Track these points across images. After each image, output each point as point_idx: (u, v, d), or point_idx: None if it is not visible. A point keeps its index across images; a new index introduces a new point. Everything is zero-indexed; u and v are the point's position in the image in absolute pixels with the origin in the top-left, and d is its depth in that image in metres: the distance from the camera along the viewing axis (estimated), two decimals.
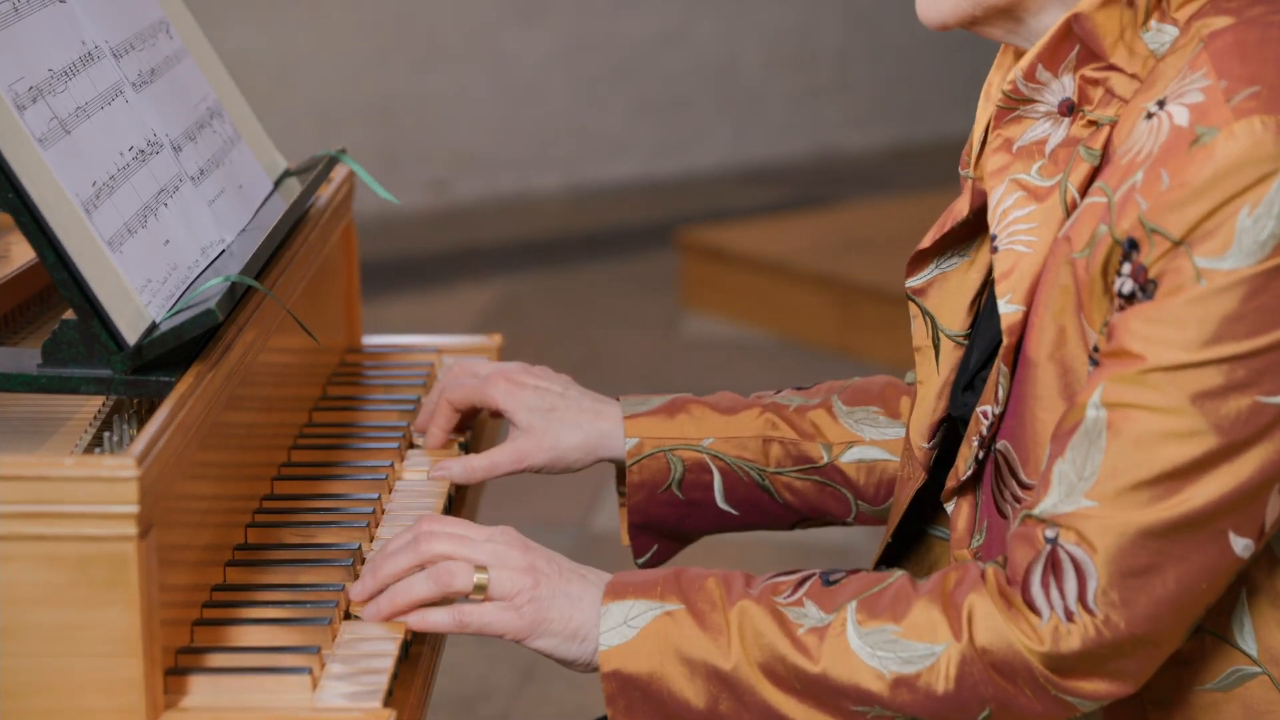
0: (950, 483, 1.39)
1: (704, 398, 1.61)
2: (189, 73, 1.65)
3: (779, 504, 1.60)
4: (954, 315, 1.43)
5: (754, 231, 5.24)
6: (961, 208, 1.39)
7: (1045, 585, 1.22)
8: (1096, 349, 1.25)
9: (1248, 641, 1.29)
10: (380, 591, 1.33)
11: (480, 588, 1.31)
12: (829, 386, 1.63)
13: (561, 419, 1.58)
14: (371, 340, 1.93)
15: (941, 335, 1.43)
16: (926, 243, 1.42)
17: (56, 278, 1.26)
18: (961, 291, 1.42)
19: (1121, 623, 1.21)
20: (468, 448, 1.66)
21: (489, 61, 6.12)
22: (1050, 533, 1.22)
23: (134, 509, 1.14)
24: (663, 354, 4.74)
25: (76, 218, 1.29)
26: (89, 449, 1.30)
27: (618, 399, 1.61)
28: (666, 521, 1.60)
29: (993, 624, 1.24)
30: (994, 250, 1.32)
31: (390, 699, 1.23)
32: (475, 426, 1.71)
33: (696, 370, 4.59)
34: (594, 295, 5.27)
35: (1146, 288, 1.20)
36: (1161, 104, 1.22)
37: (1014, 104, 1.32)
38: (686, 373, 4.56)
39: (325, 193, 1.79)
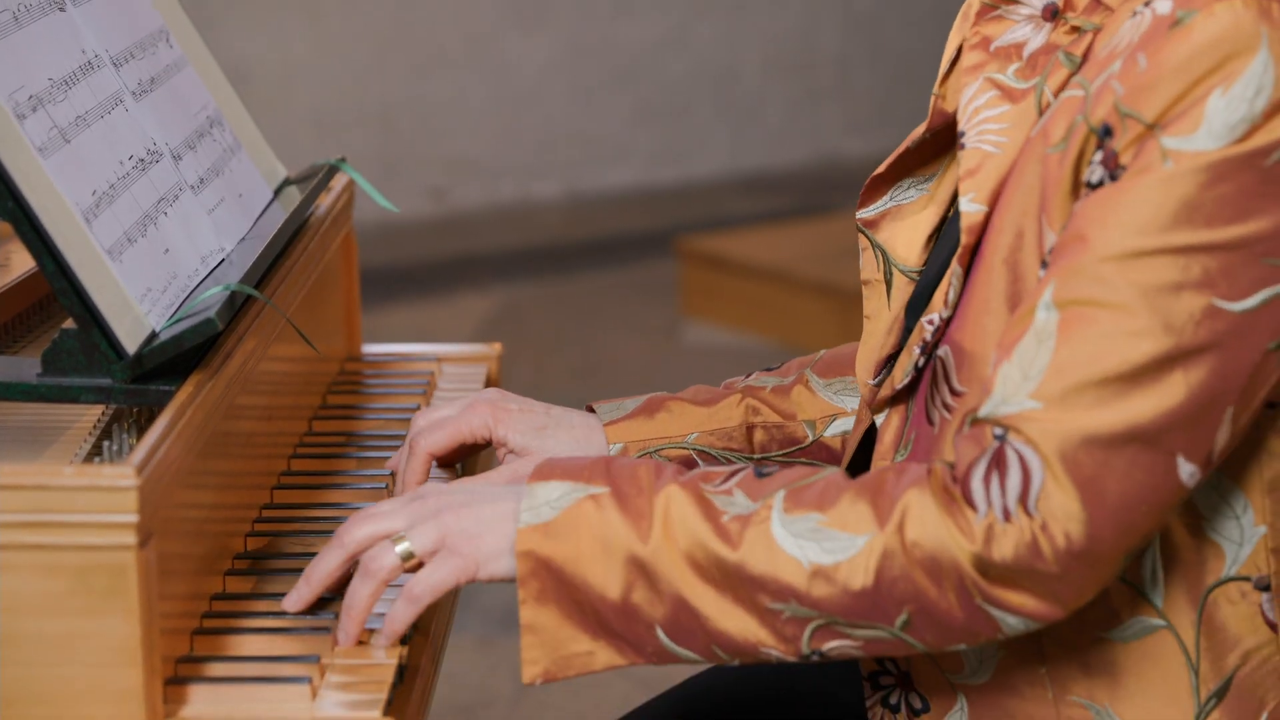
0: (884, 391, 1.34)
1: (679, 394, 1.57)
2: (189, 81, 1.65)
3: None
4: (908, 250, 1.39)
5: (754, 239, 5.24)
6: (919, 130, 1.37)
7: (987, 480, 1.16)
8: (1052, 251, 1.21)
9: (1157, 593, 1.25)
10: (316, 598, 1.30)
11: (409, 555, 1.26)
12: (799, 362, 1.58)
13: (555, 437, 1.51)
14: (371, 349, 1.92)
15: (894, 269, 1.39)
16: (883, 168, 1.39)
17: (56, 287, 1.26)
18: (917, 227, 1.39)
19: (1058, 531, 1.14)
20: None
21: (488, 68, 6.12)
22: (998, 430, 1.16)
23: (133, 518, 1.14)
24: (663, 361, 4.74)
25: (76, 227, 1.29)
26: (88, 458, 1.30)
27: (590, 409, 1.55)
28: None
29: (926, 517, 1.17)
30: (961, 147, 1.28)
31: (390, 708, 1.22)
32: (466, 466, 1.60)
33: (696, 378, 4.55)
34: (594, 303, 5.27)
35: (1115, 173, 1.17)
36: (1148, 3, 1.19)
37: (999, 2, 1.30)
38: (687, 380, 4.53)
39: (325, 201, 1.79)
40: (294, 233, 1.64)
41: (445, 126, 6.09)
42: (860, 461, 1.44)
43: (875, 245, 1.41)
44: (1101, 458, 1.15)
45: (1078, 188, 1.20)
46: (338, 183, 1.85)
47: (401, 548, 1.26)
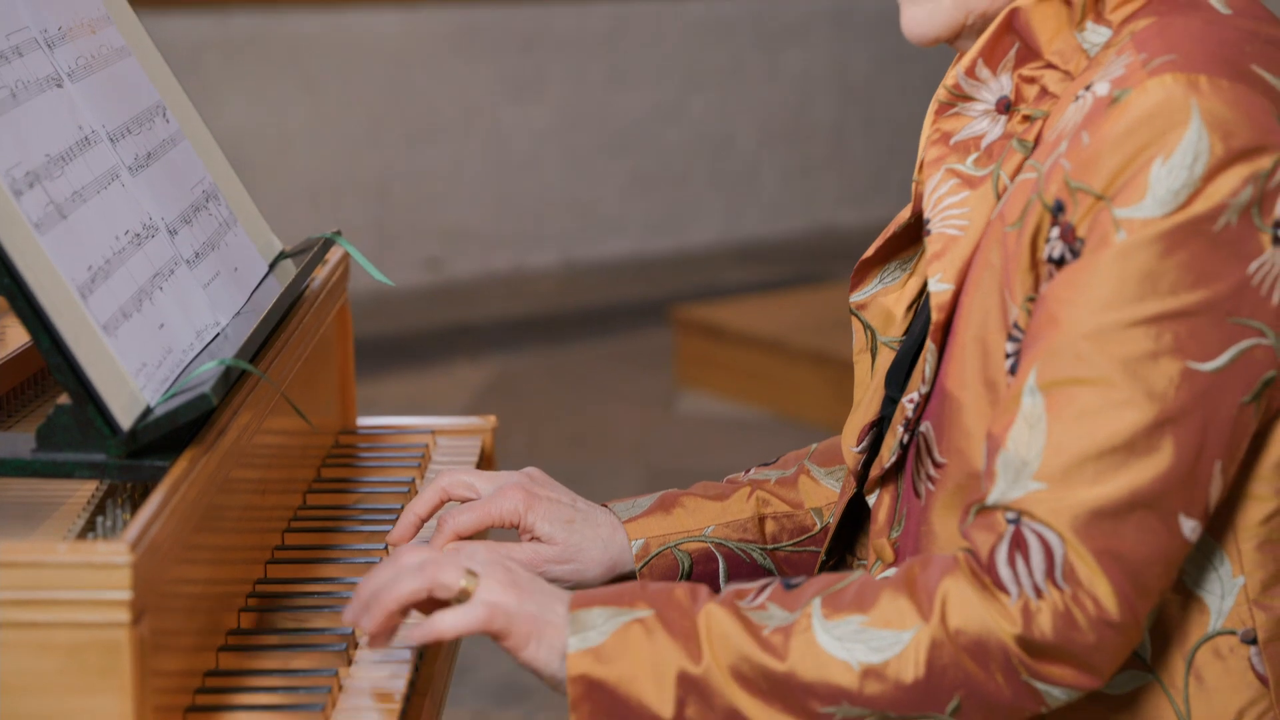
0: (874, 471, 1.40)
1: (689, 490, 1.60)
2: (185, 156, 1.66)
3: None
4: (890, 322, 1.46)
5: (749, 309, 5.25)
6: (904, 214, 1.44)
7: (1012, 563, 1.22)
8: (1017, 325, 1.27)
9: (1145, 650, 1.29)
10: (389, 624, 1.31)
11: (465, 591, 1.29)
12: (795, 455, 1.63)
13: (582, 533, 1.52)
14: (366, 421, 1.92)
15: (879, 343, 1.46)
16: (870, 253, 1.46)
17: (52, 363, 1.26)
18: (900, 301, 1.46)
19: (1088, 601, 1.20)
20: None
21: (484, 138, 6.15)
22: (1011, 515, 1.22)
23: (127, 595, 1.14)
24: (658, 431, 4.74)
25: (72, 302, 1.29)
26: (82, 534, 1.30)
27: (604, 505, 1.57)
28: None
29: (968, 605, 1.22)
30: (926, 234, 1.35)
31: None
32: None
33: (691, 448, 4.58)
34: (589, 372, 5.27)
35: (1074, 246, 1.23)
36: (1089, 87, 1.26)
37: (954, 100, 1.37)
38: (681, 451, 4.55)
39: (320, 274, 1.80)
40: (289, 306, 1.64)
41: (441, 196, 6.11)
42: (848, 530, 1.50)
43: (865, 325, 1.48)
44: (1111, 527, 1.20)
45: (1036, 264, 1.26)
46: (333, 256, 1.85)
47: (468, 580, 1.29)
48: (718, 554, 1.56)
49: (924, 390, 1.34)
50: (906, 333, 1.45)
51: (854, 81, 6.81)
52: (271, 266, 1.72)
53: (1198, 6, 1.30)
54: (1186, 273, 1.19)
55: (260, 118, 5.73)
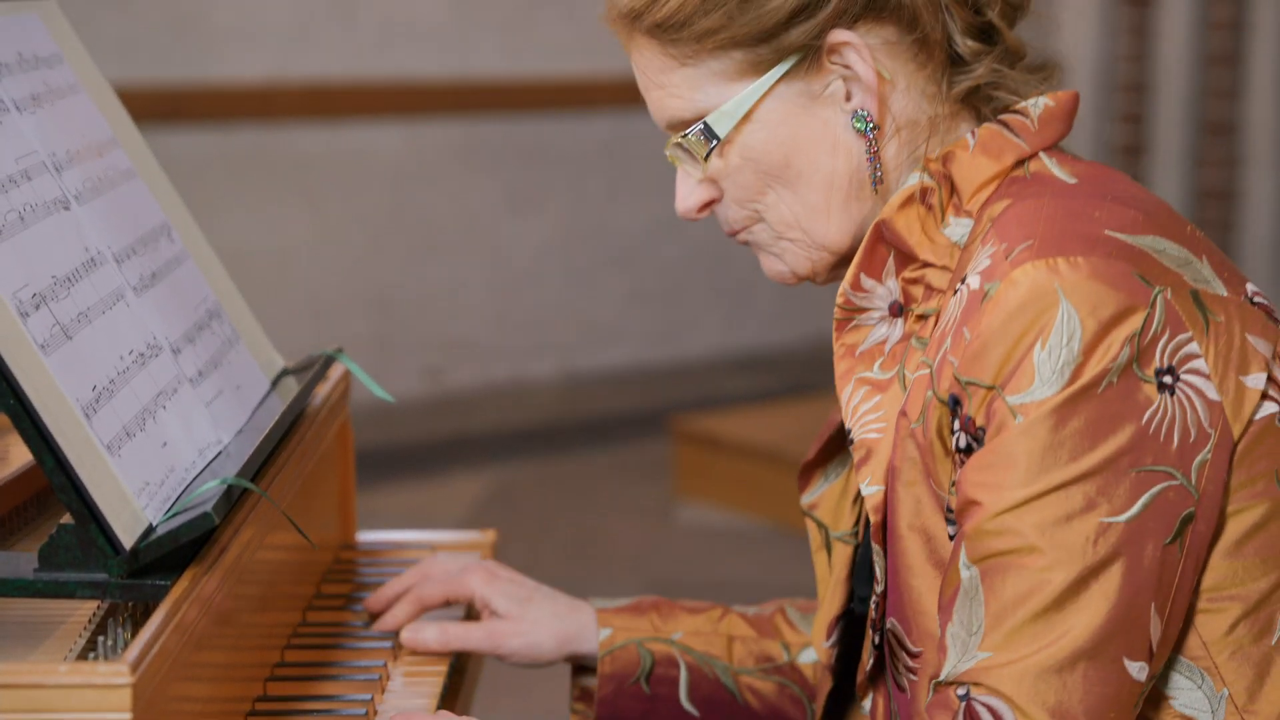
0: (860, 677, 1.44)
1: (670, 600, 1.67)
2: (189, 275, 1.68)
3: (740, 705, 1.63)
4: (840, 519, 1.52)
5: (747, 419, 5.26)
6: (836, 416, 1.51)
7: None
8: (950, 509, 1.32)
9: None
10: None
11: None
12: (777, 602, 1.70)
13: (539, 608, 1.63)
14: (366, 536, 1.93)
15: (832, 539, 1.52)
16: (810, 455, 1.54)
17: (55, 483, 1.28)
18: (845, 495, 1.52)
19: None
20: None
21: (484, 251, 6.19)
22: (961, 690, 1.26)
23: (127, 716, 1.14)
24: (657, 542, 4.74)
25: (76, 423, 1.30)
26: (83, 654, 1.30)
27: (585, 600, 1.66)
28: (630, 719, 1.61)
29: None
30: (850, 443, 1.40)
31: None
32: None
33: (691, 558, 4.58)
34: (588, 483, 5.27)
35: (978, 436, 1.28)
36: (964, 280, 1.32)
37: (849, 314, 1.43)
38: (681, 561, 4.55)
39: (322, 391, 1.81)
40: (291, 424, 1.65)
41: (441, 309, 6.14)
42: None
43: (819, 523, 1.54)
44: (1059, 684, 1.24)
45: (949, 452, 1.32)
46: (334, 372, 1.87)
47: None
48: (681, 661, 1.61)
49: (879, 589, 1.40)
50: (857, 524, 1.51)
51: None
52: (274, 384, 1.74)
53: (1045, 182, 1.36)
54: (1083, 438, 1.24)
55: (262, 232, 5.78)
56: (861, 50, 1.37)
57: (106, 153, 1.62)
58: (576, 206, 6.35)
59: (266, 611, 1.57)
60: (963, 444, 1.30)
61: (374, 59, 5.84)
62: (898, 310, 1.40)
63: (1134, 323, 1.25)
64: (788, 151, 1.40)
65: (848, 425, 1.41)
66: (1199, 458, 1.26)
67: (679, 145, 1.43)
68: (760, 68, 1.38)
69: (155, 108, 5.19)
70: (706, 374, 6.45)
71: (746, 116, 1.39)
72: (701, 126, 1.40)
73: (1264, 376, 1.29)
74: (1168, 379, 1.26)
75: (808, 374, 6.34)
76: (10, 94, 1.47)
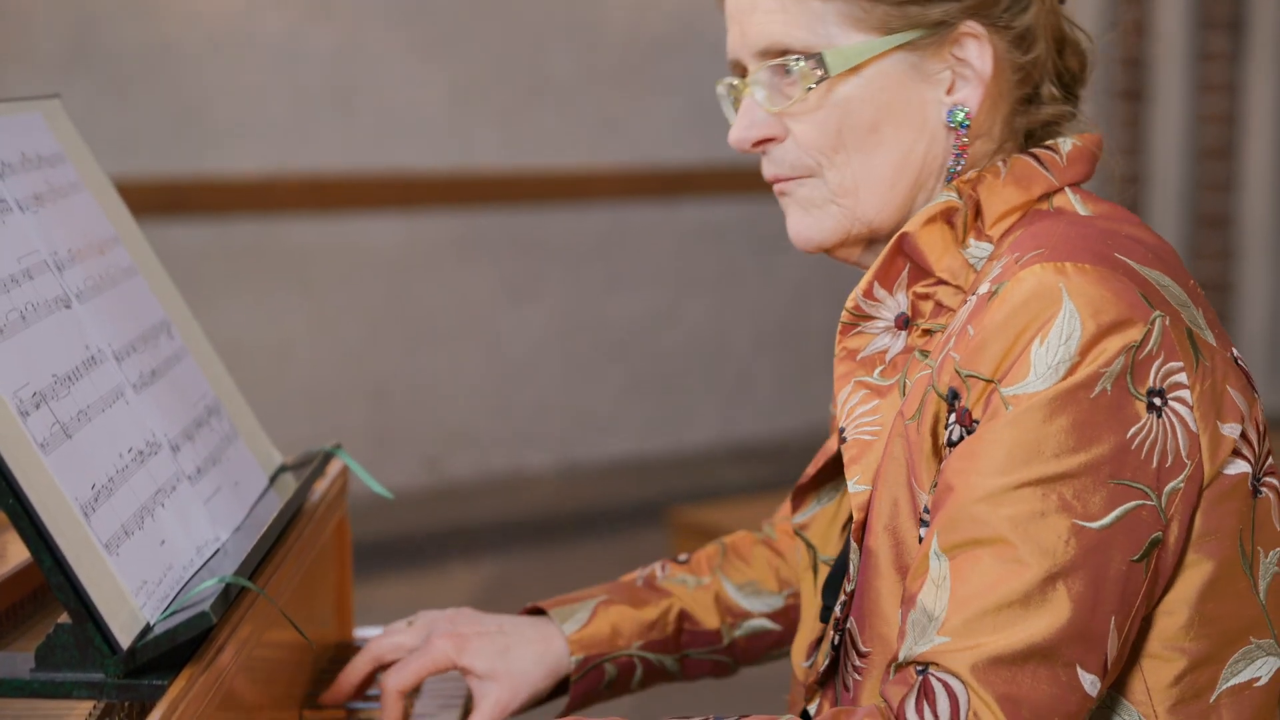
0: (811, 677, 1.47)
1: (615, 594, 1.71)
2: (189, 372, 1.68)
3: (679, 679, 1.75)
4: (828, 542, 1.54)
5: (745, 510, 5.25)
6: (832, 444, 1.53)
7: (919, 710, 1.25)
8: (927, 509, 1.34)
9: None
10: None
11: None
12: (708, 558, 1.76)
13: (520, 656, 1.65)
14: (363, 633, 1.92)
15: (819, 561, 1.55)
16: (804, 479, 1.56)
17: (53, 582, 1.27)
18: (836, 520, 1.55)
19: None
20: None
21: (482, 341, 6.21)
22: (919, 667, 1.27)
23: None
24: None
25: (75, 522, 1.30)
26: None
27: (541, 611, 1.69)
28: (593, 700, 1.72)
29: None
30: (843, 441, 1.42)
31: None
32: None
33: None
34: (586, 575, 5.25)
35: (971, 428, 1.30)
36: (974, 292, 1.35)
37: (856, 320, 1.45)
38: None
39: (320, 487, 1.81)
40: (288, 521, 1.65)
41: (439, 399, 6.15)
42: None
43: (808, 543, 1.56)
44: (1009, 675, 1.25)
45: (938, 450, 1.34)
46: (332, 468, 1.87)
47: None
48: (639, 664, 1.70)
49: (849, 589, 1.41)
50: (841, 550, 1.54)
51: (847, 285, 6.89)
52: (272, 480, 1.74)
53: (1062, 213, 1.40)
54: (1068, 436, 1.26)
55: (261, 323, 5.79)
56: (986, 47, 1.41)
57: (108, 250, 1.63)
58: (574, 297, 6.37)
59: (263, 710, 1.56)
60: (955, 436, 1.31)
61: (372, 152, 5.88)
62: (904, 323, 1.42)
63: (1132, 334, 1.27)
64: (879, 117, 1.42)
65: (841, 424, 1.43)
66: (1172, 484, 1.28)
67: (770, 71, 1.42)
68: (888, 27, 1.40)
69: (156, 201, 5.22)
70: (704, 465, 6.45)
71: (857, 68, 1.41)
72: (816, 58, 1.40)
73: (1238, 429, 1.32)
74: (1156, 400, 1.28)
75: (805, 464, 6.32)
76: (13, 193, 1.48)
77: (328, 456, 1.79)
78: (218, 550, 1.51)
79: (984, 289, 1.33)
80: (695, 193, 6.51)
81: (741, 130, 1.46)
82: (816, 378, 6.85)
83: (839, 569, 1.52)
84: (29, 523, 1.27)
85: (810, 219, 1.47)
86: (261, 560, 1.54)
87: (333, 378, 5.95)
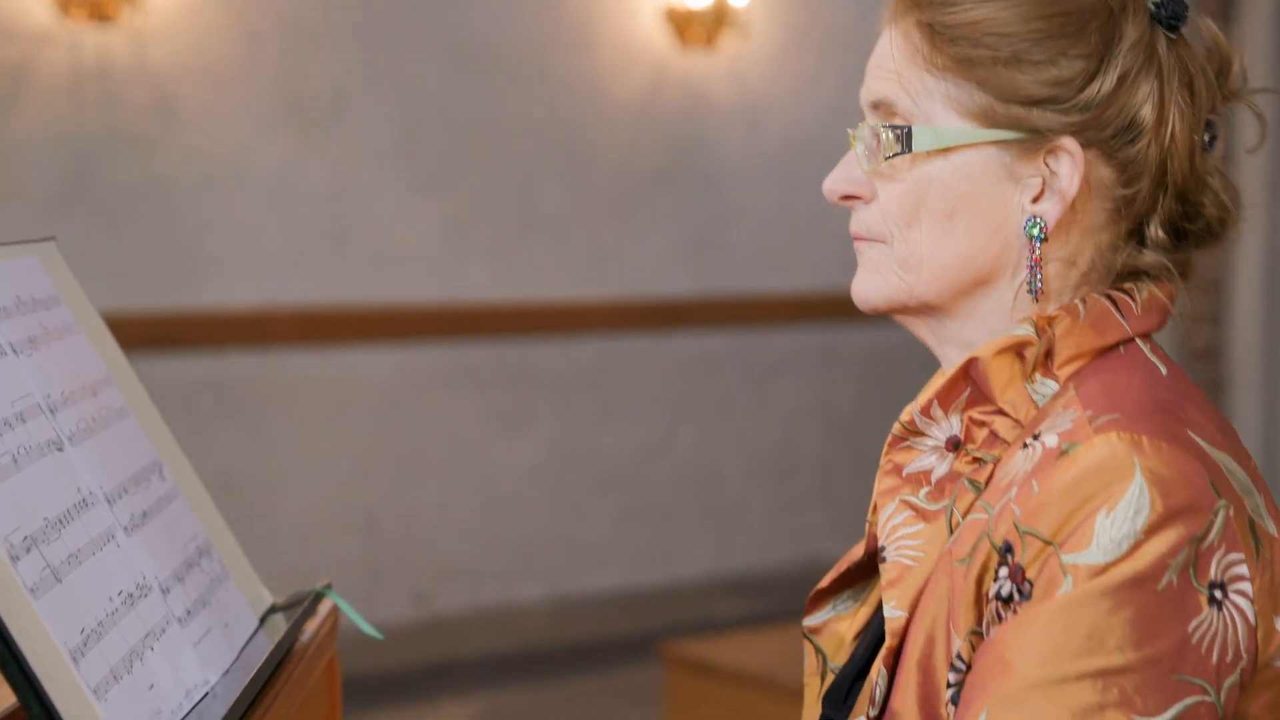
0: None
1: None
2: (179, 512, 1.68)
3: None
4: (840, 648, 1.52)
5: (739, 644, 5.22)
6: (858, 550, 1.51)
7: None
8: (959, 656, 1.32)
9: None
10: None
11: None
12: None
13: None
14: None
15: (827, 669, 1.52)
16: (824, 583, 1.53)
17: None
18: (851, 627, 1.53)
19: None
20: None
21: (473, 473, 6.20)
22: None
23: None
24: None
25: (64, 667, 1.30)
26: None
27: None
28: None
29: None
30: (882, 560, 1.40)
31: None
32: None
33: None
34: (577, 709, 5.21)
35: (1023, 588, 1.27)
36: (1037, 437, 1.33)
37: (907, 434, 1.43)
38: None
39: (310, 626, 1.80)
40: (278, 663, 1.64)
41: (430, 532, 6.13)
42: None
43: (817, 649, 1.55)
44: None
45: (980, 599, 1.31)
46: (323, 608, 1.86)
47: None
48: None
49: (873, 713, 1.39)
50: (849, 659, 1.51)
51: (840, 416, 6.91)
52: (262, 620, 1.73)
53: (1137, 365, 1.38)
54: (1132, 630, 1.24)
55: (253, 455, 5.79)
56: (1079, 167, 1.39)
57: (100, 392, 1.64)
58: (565, 429, 6.37)
59: None
60: (1005, 592, 1.29)
61: (365, 285, 5.92)
62: (954, 445, 1.41)
63: (1197, 524, 1.25)
64: (958, 205, 1.41)
65: (882, 542, 1.41)
66: (1230, 679, 1.26)
67: (871, 130, 1.43)
68: (989, 120, 1.39)
69: (150, 334, 5.24)
70: (697, 597, 6.41)
71: (947, 150, 1.40)
72: (906, 130, 1.41)
73: None
74: (1218, 593, 1.26)
75: (800, 597, 6.29)
76: (8, 337, 1.49)
77: (318, 597, 1.78)
78: (206, 694, 1.50)
79: (1051, 441, 1.31)
80: (687, 324, 6.54)
81: (832, 181, 1.46)
82: (809, 509, 6.84)
83: (844, 681, 1.49)
84: (17, 668, 1.26)
85: (871, 281, 1.46)
86: (251, 703, 1.53)
87: (324, 509, 5.93)
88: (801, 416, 6.84)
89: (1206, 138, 1.43)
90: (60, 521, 1.42)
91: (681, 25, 6.40)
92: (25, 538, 1.35)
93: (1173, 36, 1.42)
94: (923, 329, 1.48)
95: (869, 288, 1.46)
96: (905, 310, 1.46)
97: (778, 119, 6.72)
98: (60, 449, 1.48)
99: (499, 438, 6.25)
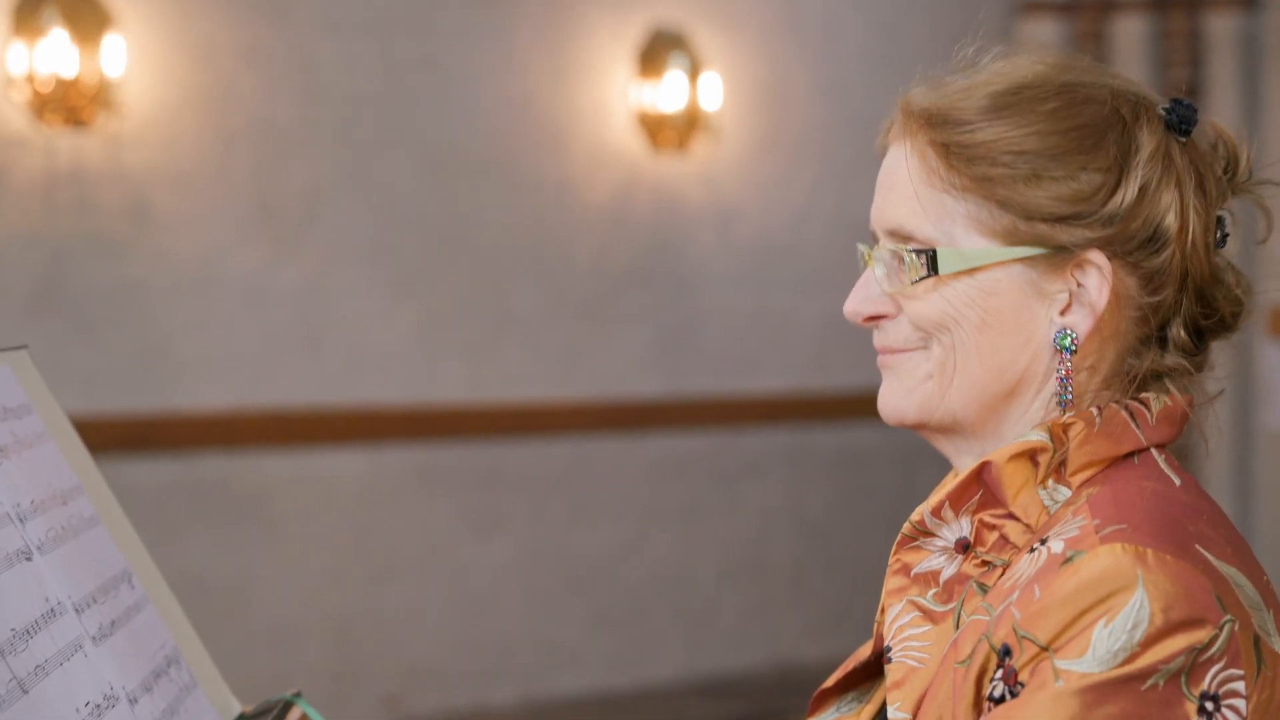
0: None
1: None
2: (149, 621, 1.68)
3: None
4: None
5: None
6: (865, 650, 1.50)
7: None
8: None
9: None
10: None
11: None
12: None
13: None
14: None
15: None
16: (830, 682, 1.53)
17: None
18: None
19: None
20: None
21: (444, 575, 6.18)
22: None
23: None
24: None
25: None
26: None
27: None
28: None
29: None
30: (887, 661, 1.40)
31: None
32: None
33: None
34: None
35: (1014, 689, 1.27)
36: (1044, 541, 1.33)
37: (917, 534, 1.43)
38: None
39: None
40: None
41: (401, 635, 6.09)
42: None
43: None
44: None
45: (979, 700, 1.31)
46: (292, 715, 1.85)
47: None
48: None
49: None
50: None
51: (812, 517, 6.91)
52: None
53: (1150, 475, 1.37)
54: None
55: (223, 558, 5.76)
56: (1107, 280, 1.39)
57: (70, 500, 1.64)
58: (537, 531, 6.36)
59: None
60: (998, 693, 1.29)
61: (338, 386, 5.92)
62: (963, 547, 1.41)
63: (1199, 636, 1.25)
64: (986, 321, 1.40)
65: (888, 642, 1.41)
66: None
67: (891, 253, 1.42)
68: (1014, 238, 1.39)
69: (121, 437, 5.22)
70: (670, 699, 6.38)
71: (972, 270, 1.40)
72: (930, 253, 1.40)
73: None
74: (1209, 705, 1.25)
75: (773, 698, 6.27)
76: None
77: (287, 705, 1.78)
78: None
79: (1057, 547, 1.31)
80: (659, 425, 6.55)
81: (855, 303, 1.46)
82: (781, 610, 6.82)
83: None
84: None
85: (901, 391, 1.45)
86: None
87: (294, 613, 5.90)
88: (773, 517, 6.84)
89: (1218, 235, 1.44)
90: (28, 632, 1.42)
91: (654, 129, 6.46)
92: None
93: (1184, 141, 1.42)
94: (945, 444, 1.47)
95: (898, 397, 1.45)
96: (929, 424, 1.45)
97: (749, 221, 6.77)
98: (29, 558, 1.48)
99: (471, 539, 6.23)
